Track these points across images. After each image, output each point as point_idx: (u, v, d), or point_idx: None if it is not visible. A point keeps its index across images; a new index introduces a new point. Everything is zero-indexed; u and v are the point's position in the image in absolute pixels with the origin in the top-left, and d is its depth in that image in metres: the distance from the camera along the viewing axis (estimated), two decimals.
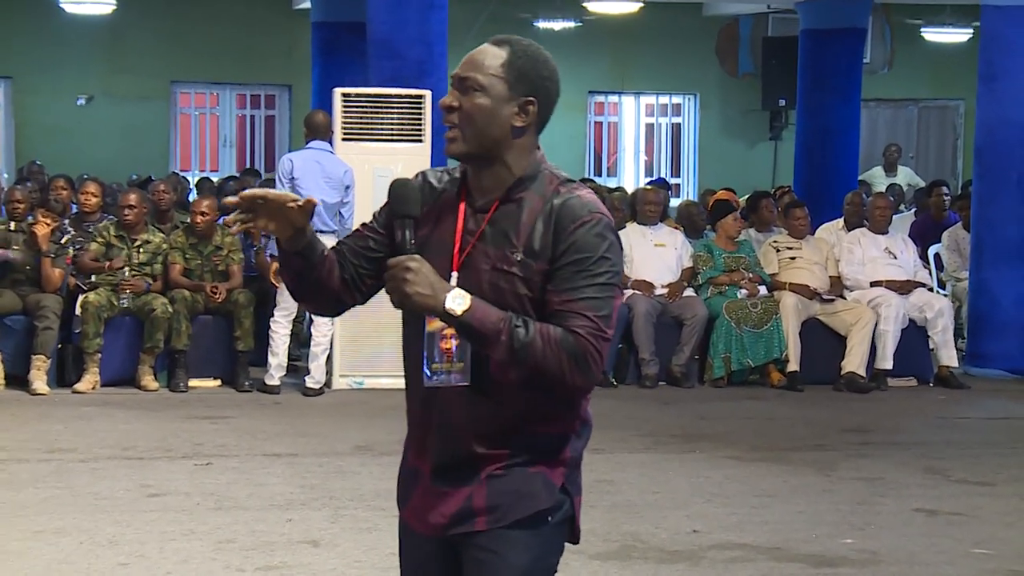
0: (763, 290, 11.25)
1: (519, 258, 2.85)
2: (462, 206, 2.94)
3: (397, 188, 2.91)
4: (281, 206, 2.90)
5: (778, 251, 11.48)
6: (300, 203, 2.90)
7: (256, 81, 19.67)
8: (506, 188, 2.91)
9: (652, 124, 21.22)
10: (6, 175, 17.29)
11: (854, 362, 10.96)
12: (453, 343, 2.86)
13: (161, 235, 10.62)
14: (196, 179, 16.84)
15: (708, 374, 11.05)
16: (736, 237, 11.51)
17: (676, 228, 12.08)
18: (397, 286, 2.77)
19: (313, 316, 10.29)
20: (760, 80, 19.97)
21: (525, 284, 2.85)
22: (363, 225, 3.08)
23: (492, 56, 2.92)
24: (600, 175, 20.57)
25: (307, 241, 2.96)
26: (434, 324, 2.87)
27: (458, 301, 2.76)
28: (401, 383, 3.06)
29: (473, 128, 2.88)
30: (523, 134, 2.91)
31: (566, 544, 3.03)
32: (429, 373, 2.89)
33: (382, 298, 2.89)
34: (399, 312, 2.93)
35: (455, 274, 2.88)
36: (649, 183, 15.14)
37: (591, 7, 18.20)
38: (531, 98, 2.91)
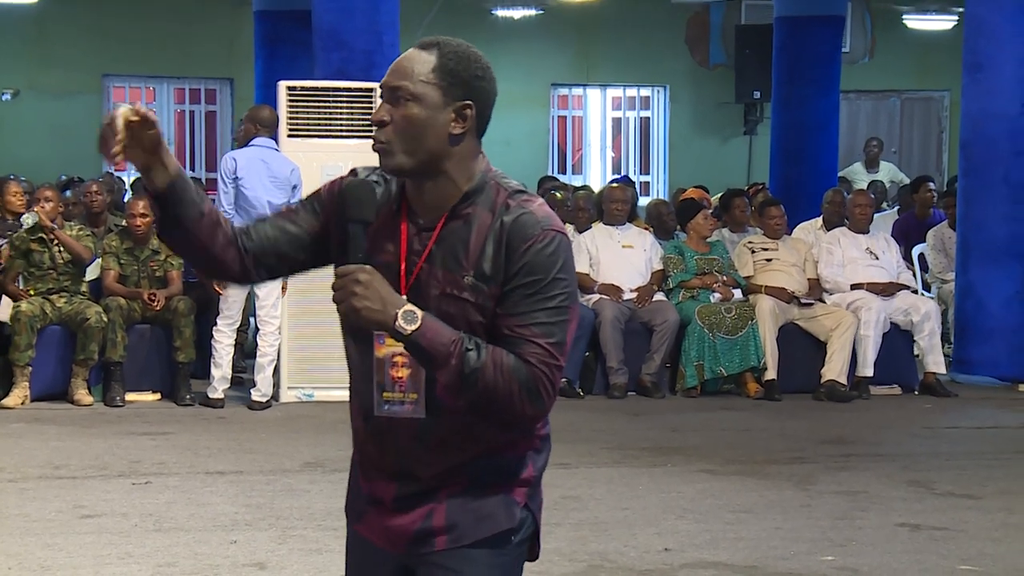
0: (738, 294, 11.33)
1: (469, 281, 2.85)
2: (404, 224, 2.93)
3: (353, 189, 2.90)
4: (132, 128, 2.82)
5: (753, 252, 11.56)
6: (139, 116, 2.81)
7: (195, 75, 19.65)
8: (452, 204, 2.90)
9: (619, 118, 21.32)
10: None
11: (834, 369, 11.04)
12: (405, 372, 2.88)
13: (80, 226, 10.60)
14: (131, 179, 16.80)
15: (680, 383, 11.11)
16: (708, 237, 11.58)
17: (645, 229, 12.14)
18: (345, 298, 2.77)
19: (259, 325, 10.30)
20: (733, 71, 20.09)
21: (477, 310, 2.85)
22: (297, 203, 3.05)
23: (421, 62, 2.89)
24: (564, 172, 20.65)
25: (169, 181, 2.87)
26: (383, 350, 2.88)
27: (408, 319, 2.76)
28: None
29: (409, 141, 2.86)
30: (461, 141, 2.89)
31: (528, 565, 3.08)
32: (380, 402, 2.91)
33: (332, 307, 2.90)
34: None
35: (404, 298, 2.85)
36: (615, 180, 15.20)
37: None
38: (468, 102, 2.88)
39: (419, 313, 2.77)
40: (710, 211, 12.04)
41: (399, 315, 2.76)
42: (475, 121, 2.90)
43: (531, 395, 2.81)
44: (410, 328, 2.76)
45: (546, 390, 2.82)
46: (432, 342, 2.77)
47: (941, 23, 20.07)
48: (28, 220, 10.21)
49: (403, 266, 2.89)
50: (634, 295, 11.25)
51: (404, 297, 2.84)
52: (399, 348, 2.85)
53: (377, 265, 2.85)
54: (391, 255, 2.91)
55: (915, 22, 20.29)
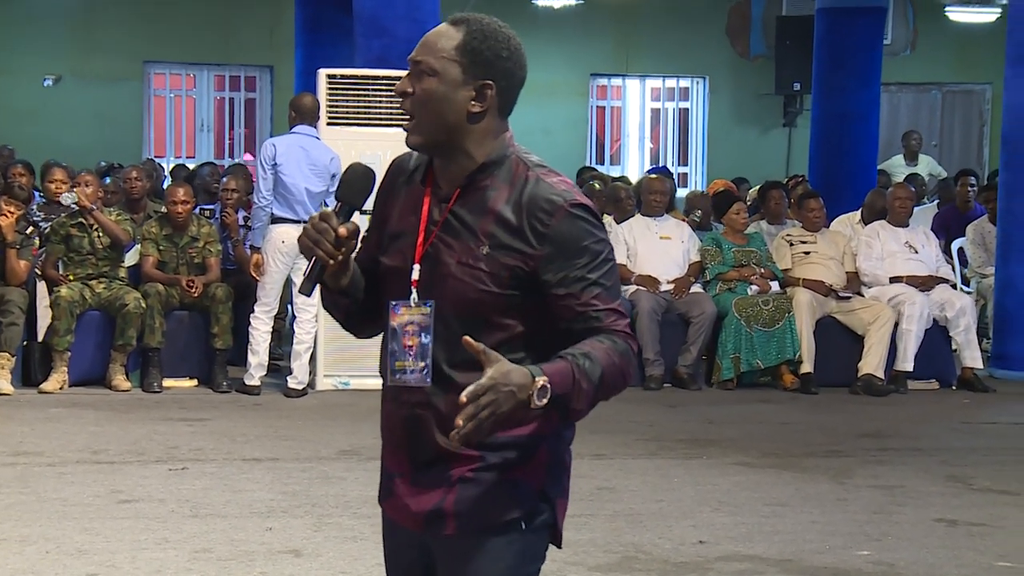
0: (775, 286, 11.29)
1: (485, 252, 2.87)
2: (427, 195, 2.96)
3: (349, 175, 2.98)
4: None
5: (791, 245, 11.51)
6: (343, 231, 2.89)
7: (236, 62, 19.69)
8: (467, 175, 2.92)
9: (658, 109, 21.26)
10: None
11: (872, 363, 10.99)
12: (417, 340, 2.90)
13: (119, 212, 10.67)
14: (171, 166, 16.86)
15: (716, 376, 11.09)
16: (743, 229, 11.54)
17: (683, 220, 12.11)
18: (489, 416, 2.68)
19: (296, 312, 10.32)
20: (773, 62, 20.02)
21: (492, 279, 2.86)
22: (364, 240, 3.09)
23: (446, 38, 2.89)
24: (603, 163, 20.62)
25: (351, 277, 2.98)
26: (397, 319, 2.91)
27: (541, 395, 2.71)
28: None
29: (426, 115, 2.89)
30: (481, 119, 2.90)
31: (563, 555, 3.07)
32: (393, 370, 2.94)
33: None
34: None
35: (417, 266, 2.91)
36: (653, 171, 15.17)
37: None
38: (488, 81, 2.89)
39: (540, 378, 2.71)
40: (747, 204, 12.00)
41: (534, 396, 2.70)
42: (496, 100, 2.91)
43: (627, 357, 2.85)
44: (546, 400, 2.72)
45: (631, 346, 2.87)
46: (563, 385, 2.74)
47: (984, 16, 19.94)
48: (67, 199, 10.28)
49: (421, 235, 2.93)
50: (671, 286, 11.23)
51: (416, 266, 2.90)
52: (412, 317, 2.90)
53: (403, 233, 2.95)
54: (413, 224, 2.95)
55: (957, 14, 20.17)
